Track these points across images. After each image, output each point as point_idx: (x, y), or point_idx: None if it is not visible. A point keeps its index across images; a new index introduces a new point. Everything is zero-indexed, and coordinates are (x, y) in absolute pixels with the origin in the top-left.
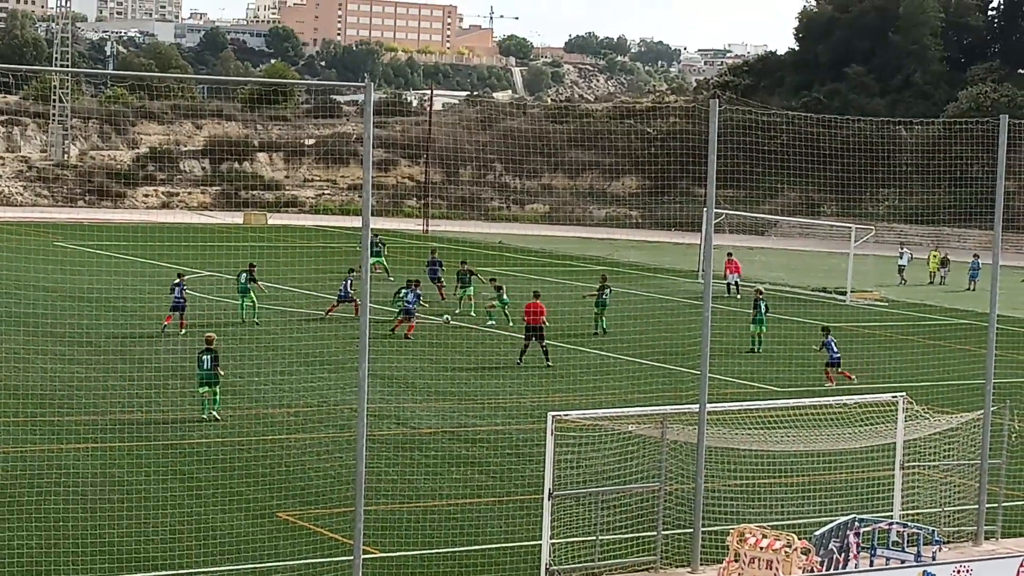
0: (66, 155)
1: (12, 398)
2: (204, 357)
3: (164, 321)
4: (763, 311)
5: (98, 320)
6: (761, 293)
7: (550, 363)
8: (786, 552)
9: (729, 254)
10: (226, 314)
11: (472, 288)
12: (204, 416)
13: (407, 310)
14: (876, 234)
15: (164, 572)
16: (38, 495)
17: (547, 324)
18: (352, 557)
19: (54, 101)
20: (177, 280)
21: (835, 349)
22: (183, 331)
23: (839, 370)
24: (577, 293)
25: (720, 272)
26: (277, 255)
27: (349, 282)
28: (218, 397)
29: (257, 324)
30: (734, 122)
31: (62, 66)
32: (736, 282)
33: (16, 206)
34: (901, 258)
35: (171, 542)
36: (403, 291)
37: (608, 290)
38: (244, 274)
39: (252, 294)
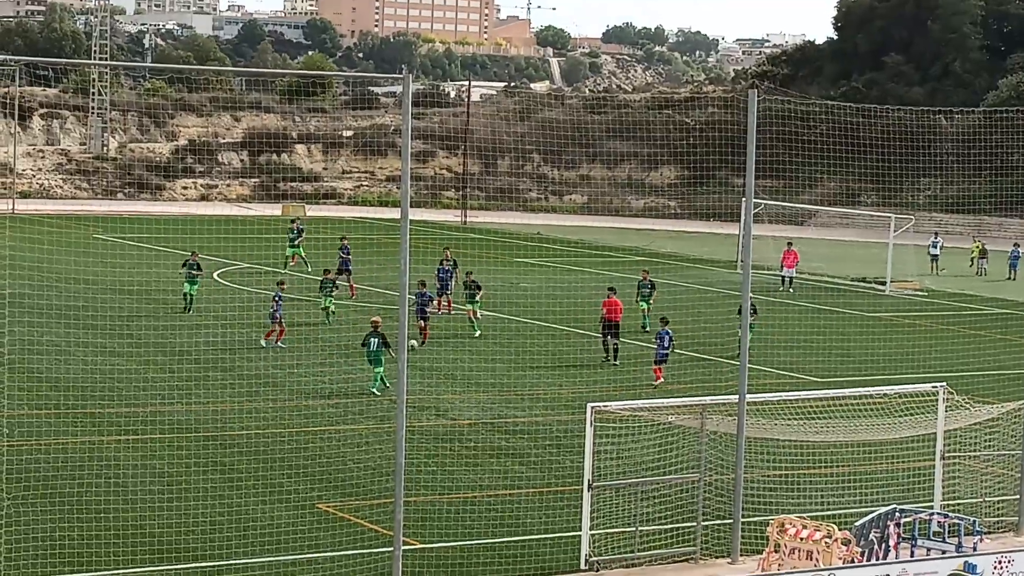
0: (105, 148)
1: (53, 390)
2: (372, 339)
3: (265, 338)
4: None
5: (138, 312)
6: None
7: (616, 362)
8: (826, 542)
9: (789, 244)
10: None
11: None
12: (375, 391)
13: (421, 313)
14: (916, 224)
15: (204, 563)
16: (79, 487)
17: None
18: (392, 548)
19: (93, 94)
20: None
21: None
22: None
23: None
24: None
25: (774, 263)
26: (315, 247)
27: (278, 297)
28: (381, 376)
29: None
30: (773, 112)
31: (101, 59)
32: (791, 276)
33: (56, 199)
34: (933, 247)
35: (211, 533)
36: (419, 294)
37: (650, 284)
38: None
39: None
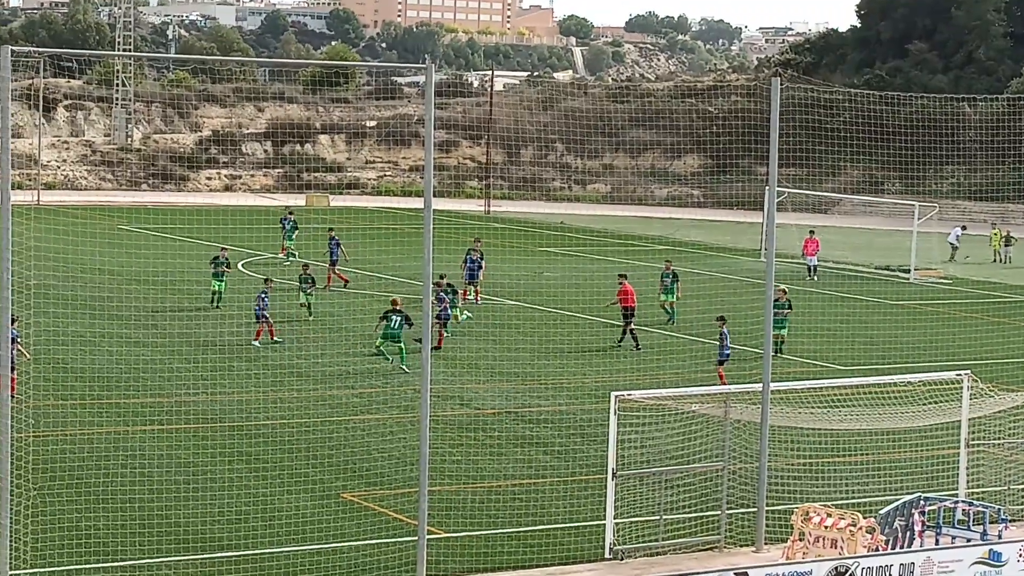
0: (129, 139)
1: (79, 381)
2: (394, 317)
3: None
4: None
5: (163, 303)
6: (786, 292)
7: (639, 348)
8: (851, 531)
9: (811, 232)
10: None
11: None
12: (404, 367)
13: (442, 316)
14: (940, 211)
15: (230, 553)
16: (104, 477)
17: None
18: (416, 537)
19: (117, 85)
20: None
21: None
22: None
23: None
24: (644, 273)
25: (797, 252)
26: (340, 237)
27: (264, 297)
28: (404, 353)
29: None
30: (796, 100)
31: (125, 50)
32: (815, 265)
33: (80, 190)
34: (952, 238)
35: (237, 523)
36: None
37: (672, 275)
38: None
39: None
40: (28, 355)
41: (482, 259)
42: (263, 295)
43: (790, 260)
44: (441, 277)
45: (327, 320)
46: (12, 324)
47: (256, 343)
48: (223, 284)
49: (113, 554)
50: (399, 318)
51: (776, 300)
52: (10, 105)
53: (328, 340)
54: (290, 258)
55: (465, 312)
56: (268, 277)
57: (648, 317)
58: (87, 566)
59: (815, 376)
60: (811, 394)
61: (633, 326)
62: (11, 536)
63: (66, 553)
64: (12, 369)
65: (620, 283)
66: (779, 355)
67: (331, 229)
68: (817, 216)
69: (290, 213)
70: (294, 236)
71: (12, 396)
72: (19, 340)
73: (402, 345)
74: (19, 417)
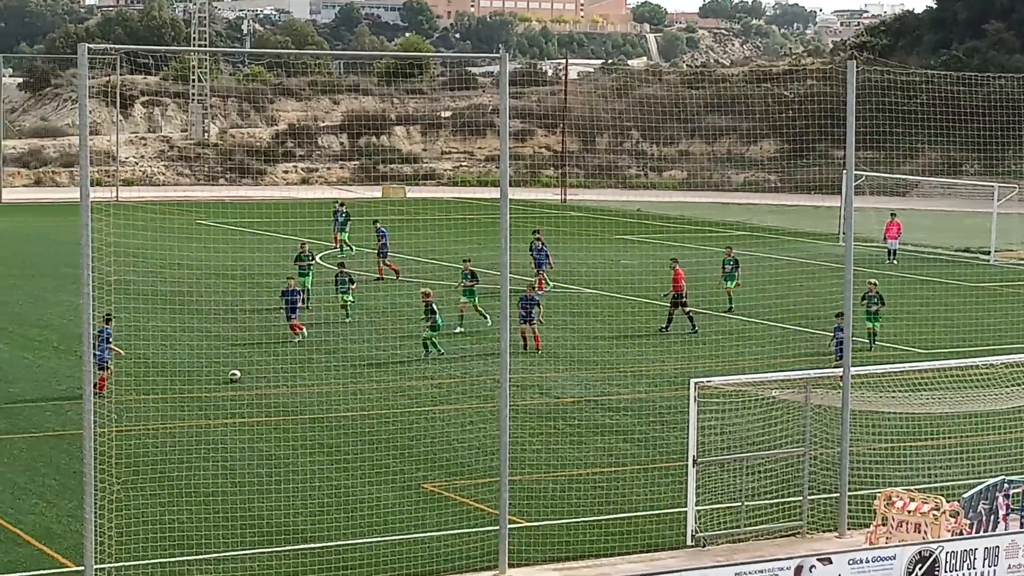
0: (206, 134)
1: (160, 375)
2: (435, 308)
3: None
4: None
5: (241, 296)
6: (875, 285)
7: (696, 331)
8: (934, 515)
9: (893, 215)
10: (370, 289)
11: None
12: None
13: (527, 315)
14: (1020, 192)
15: (312, 545)
16: (187, 470)
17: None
18: (498, 527)
19: (193, 81)
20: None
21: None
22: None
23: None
24: (716, 260)
25: (875, 235)
26: (416, 228)
27: (297, 295)
28: (436, 341)
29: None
30: (872, 83)
31: (200, 46)
32: (896, 248)
33: (159, 185)
34: None
35: (318, 515)
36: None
37: (734, 261)
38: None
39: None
40: (122, 353)
41: (548, 256)
42: (292, 292)
43: (869, 244)
44: (466, 260)
45: (405, 311)
46: (108, 323)
47: (298, 338)
48: (310, 280)
49: (196, 547)
50: (430, 310)
51: (867, 293)
52: (88, 102)
53: (406, 331)
54: (344, 250)
55: (458, 327)
56: (291, 275)
57: (722, 304)
58: (170, 559)
59: (896, 360)
60: (892, 378)
61: (688, 309)
62: (95, 530)
63: (149, 547)
64: (104, 367)
65: (673, 268)
66: (871, 349)
67: (376, 221)
68: (895, 199)
69: (341, 205)
70: (347, 228)
71: (99, 393)
72: (111, 340)
73: (435, 335)
74: (102, 412)
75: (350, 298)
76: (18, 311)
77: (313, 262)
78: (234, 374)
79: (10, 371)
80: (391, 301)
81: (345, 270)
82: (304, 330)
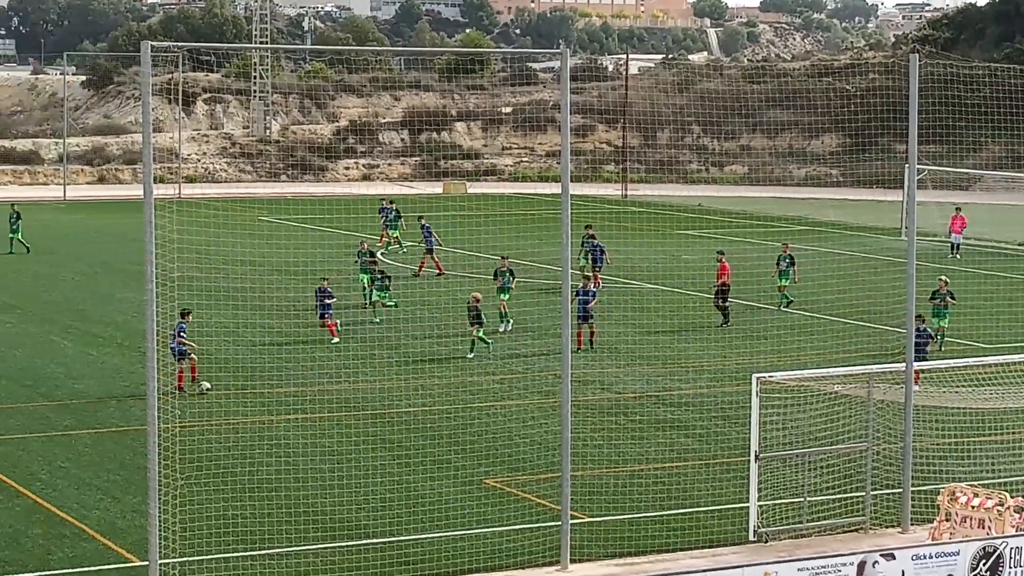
0: (268, 131)
1: (223, 371)
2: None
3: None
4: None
5: (304, 293)
6: (947, 283)
7: (729, 323)
8: (998, 511)
9: (957, 209)
10: (431, 283)
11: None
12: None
13: (584, 314)
14: None
15: (375, 540)
16: (250, 466)
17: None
18: (560, 522)
19: (255, 78)
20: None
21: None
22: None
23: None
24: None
25: (938, 230)
26: (477, 224)
27: (325, 294)
28: (486, 340)
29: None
30: (935, 76)
31: (261, 43)
32: (959, 243)
33: (221, 182)
34: None
35: (381, 510)
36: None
37: (790, 258)
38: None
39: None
40: (195, 346)
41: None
42: (324, 293)
43: (932, 239)
44: (504, 258)
45: (464, 307)
46: (184, 318)
47: (335, 340)
48: (369, 277)
49: (259, 542)
50: (475, 310)
51: (936, 291)
52: (151, 100)
53: (467, 327)
54: (389, 248)
55: (501, 325)
56: (326, 276)
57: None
58: (233, 554)
59: (959, 355)
60: (956, 373)
61: (728, 302)
62: (160, 525)
63: (213, 541)
64: (183, 359)
65: (719, 260)
66: (940, 348)
67: (421, 217)
68: (958, 193)
69: (390, 203)
70: (398, 225)
71: (181, 389)
72: (185, 333)
73: (482, 333)
74: (166, 408)
75: (385, 296)
76: (82, 308)
77: (373, 259)
78: (203, 385)
79: (75, 367)
80: (453, 297)
81: (376, 269)
82: (338, 334)
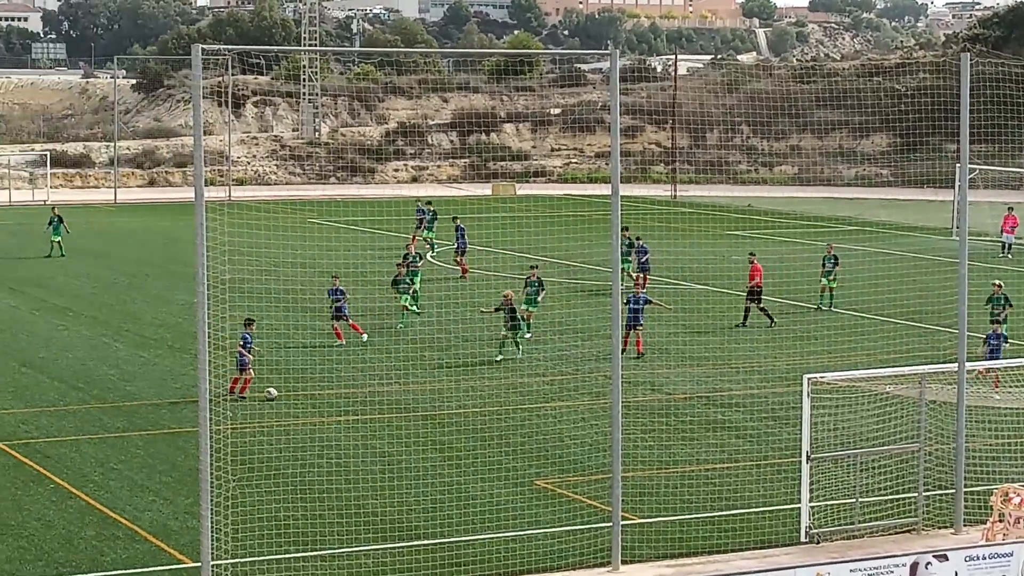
0: (317, 133)
1: (273, 373)
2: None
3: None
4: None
5: (353, 295)
6: (1001, 287)
7: (773, 323)
8: None
9: (1009, 209)
10: (481, 284)
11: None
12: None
13: (633, 321)
14: None
15: (426, 541)
16: (301, 468)
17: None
18: (610, 523)
19: (304, 80)
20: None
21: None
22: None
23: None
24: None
25: (991, 229)
26: (527, 225)
27: (338, 293)
28: (520, 343)
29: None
30: (985, 76)
31: (310, 45)
32: (1011, 242)
33: (270, 184)
34: None
35: (432, 511)
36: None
37: (835, 259)
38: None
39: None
40: (249, 357)
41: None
42: (337, 292)
43: (983, 238)
44: (533, 267)
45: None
46: (248, 327)
47: (339, 342)
48: (418, 279)
49: (310, 543)
50: (508, 314)
51: (993, 295)
52: (201, 103)
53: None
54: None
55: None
56: (336, 273)
57: (841, 299)
58: (285, 556)
59: (1012, 355)
60: (1008, 373)
61: (762, 303)
62: (212, 527)
63: (265, 543)
64: (244, 370)
65: (751, 262)
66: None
67: (455, 217)
68: (1009, 192)
69: (428, 204)
70: (434, 227)
71: (243, 397)
72: (249, 344)
73: (517, 337)
74: (217, 410)
75: (409, 302)
76: (134, 310)
77: (422, 262)
78: (270, 392)
79: (127, 369)
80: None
81: (402, 272)
82: (363, 331)
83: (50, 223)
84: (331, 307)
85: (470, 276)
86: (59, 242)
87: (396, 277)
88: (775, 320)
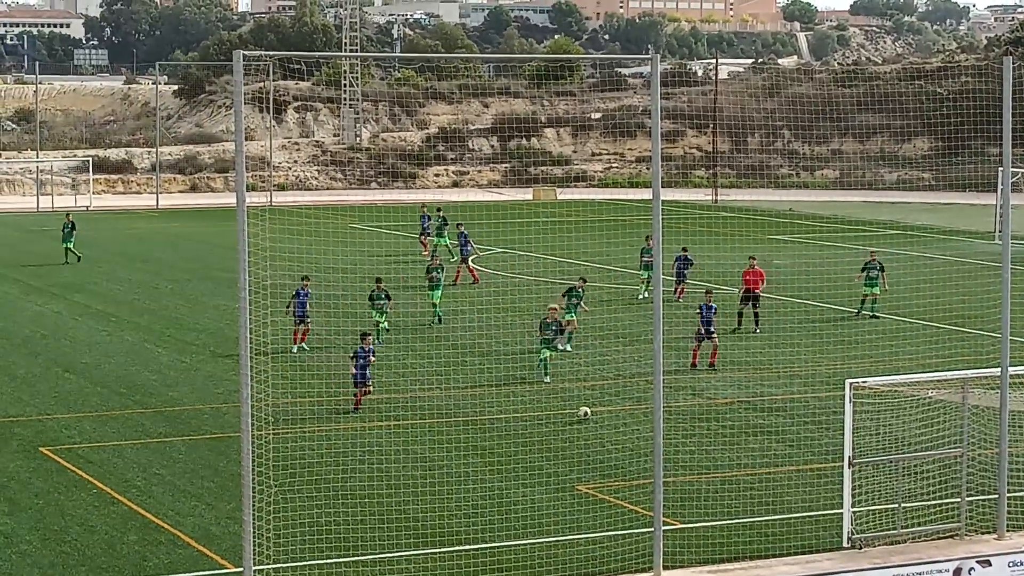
0: (358, 138)
1: (315, 378)
2: (552, 324)
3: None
4: None
5: (396, 300)
6: None
7: (758, 330)
8: None
9: None
10: (523, 289)
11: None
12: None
13: (705, 334)
14: None
15: (467, 546)
16: (342, 472)
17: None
18: (652, 529)
19: (345, 86)
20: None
21: None
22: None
23: None
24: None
25: None
26: (568, 230)
27: (302, 295)
28: (547, 367)
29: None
30: None
31: (351, 51)
32: None
33: (312, 190)
34: None
35: (473, 516)
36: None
37: (879, 266)
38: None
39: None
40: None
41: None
42: (301, 293)
43: None
44: (582, 280)
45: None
46: (364, 340)
47: (295, 348)
48: (439, 292)
49: (352, 549)
50: (556, 325)
51: None
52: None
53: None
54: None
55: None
56: (306, 275)
57: (883, 303)
58: (327, 561)
59: None
60: None
61: (757, 309)
62: (254, 532)
63: (306, 548)
64: (364, 384)
65: (751, 265)
66: None
67: (460, 224)
68: None
69: (438, 210)
70: (445, 233)
71: (357, 409)
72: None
73: (549, 352)
74: (259, 415)
75: (382, 320)
76: (176, 315)
77: (443, 274)
78: (585, 411)
79: (169, 375)
80: (544, 304)
81: (381, 287)
82: (307, 344)
83: (63, 229)
84: (293, 310)
85: (508, 282)
86: (70, 248)
87: (372, 292)
88: (760, 327)
